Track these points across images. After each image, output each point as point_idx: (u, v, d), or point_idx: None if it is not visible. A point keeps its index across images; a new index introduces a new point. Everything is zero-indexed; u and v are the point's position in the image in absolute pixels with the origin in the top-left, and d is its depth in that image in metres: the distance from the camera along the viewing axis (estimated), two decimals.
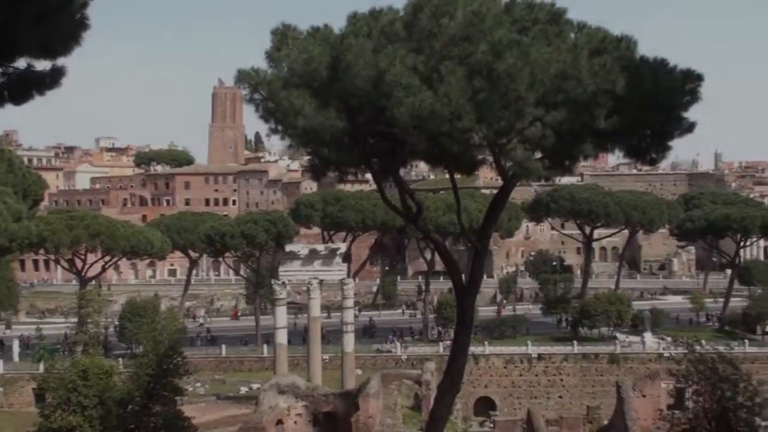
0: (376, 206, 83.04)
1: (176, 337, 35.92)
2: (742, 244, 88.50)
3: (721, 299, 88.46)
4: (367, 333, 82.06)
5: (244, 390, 63.90)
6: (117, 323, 76.68)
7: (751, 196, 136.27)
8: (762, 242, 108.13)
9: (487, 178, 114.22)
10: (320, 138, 15.41)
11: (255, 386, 61.31)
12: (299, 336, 71.74)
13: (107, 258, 77.42)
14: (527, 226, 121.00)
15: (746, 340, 72.23)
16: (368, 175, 18.89)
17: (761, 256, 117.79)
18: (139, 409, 31.87)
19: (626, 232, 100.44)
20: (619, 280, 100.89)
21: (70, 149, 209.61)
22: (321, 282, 55.92)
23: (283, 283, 54.58)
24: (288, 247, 59.01)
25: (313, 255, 55.63)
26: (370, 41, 14.80)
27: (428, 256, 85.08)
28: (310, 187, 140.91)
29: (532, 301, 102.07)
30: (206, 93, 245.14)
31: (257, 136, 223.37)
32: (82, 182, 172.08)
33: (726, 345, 58.72)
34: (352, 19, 15.70)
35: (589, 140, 15.93)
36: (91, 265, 76.43)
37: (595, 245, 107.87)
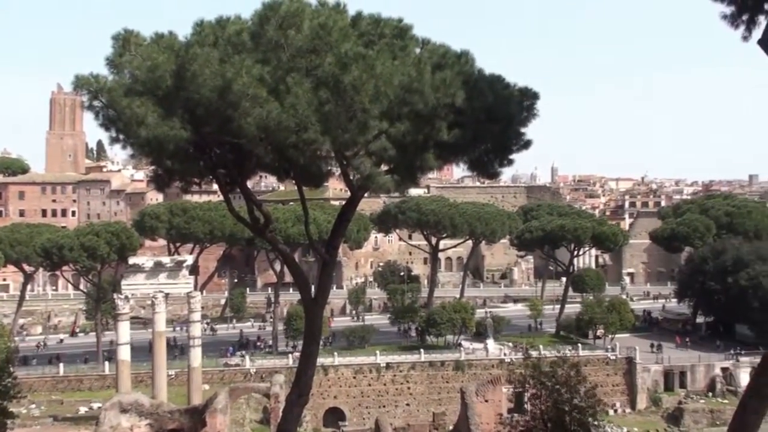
0: (224, 217, 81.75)
1: (6, 357, 33.77)
2: (575, 253, 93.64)
3: (558, 306, 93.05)
4: (175, 347, 77.77)
5: (83, 410, 60.86)
6: None
7: (584, 208, 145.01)
8: (593, 251, 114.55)
9: (336, 189, 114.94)
10: (164, 148, 14.95)
11: (96, 405, 58.59)
12: (145, 351, 69.13)
13: None
14: (376, 237, 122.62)
15: (579, 344, 76.37)
16: (215, 186, 18.52)
17: (593, 265, 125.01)
18: None
19: (470, 242, 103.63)
20: (463, 289, 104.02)
21: None
22: (166, 295, 54.38)
23: (126, 297, 52.74)
24: (132, 260, 57.12)
25: (158, 268, 54.07)
26: (217, 50, 14.56)
27: (278, 267, 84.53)
28: (155, 197, 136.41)
29: (381, 311, 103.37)
30: (44, 98, 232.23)
31: (99, 144, 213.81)
32: None
33: (561, 349, 61.83)
34: (197, 28, 15.40)
35: (432, 152, 16.38)
36: None
37: (441, 255, 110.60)
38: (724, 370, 75.25)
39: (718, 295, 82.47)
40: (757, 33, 13.61)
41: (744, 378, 69.71)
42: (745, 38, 14.26)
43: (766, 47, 13.10)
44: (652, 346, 79.50)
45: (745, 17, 14.08)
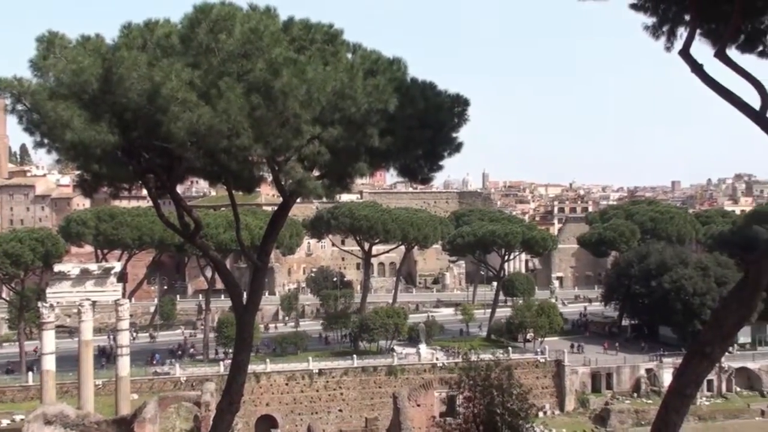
0: (153, 223, 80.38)
1: None
2: (506, 258, 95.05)
3: (489, 310, 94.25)
4: (103, 355, 76.48)
5: (5, 422, 58.90)
6: None
7: (514, 213, 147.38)
8: (523, 256, 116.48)
9: (268, 194, 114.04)
10: (91, 153, 14.59)
11: (18, 417, 56.87)
12: (71, 361, 67.28)
13: None
14: (309, 243, 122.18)
15: (510, 348, 77.49)
16: (145, 191, 18.18)
17: (523, 269, 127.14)
18: None
19: (403, 247, 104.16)
20: (396, 294, 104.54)
21: None
22: (94, 303, 53.06)
23: (52, 305, 51.35)
24: (57, 267, 55.59)
25: (84, 275, 52.72)
26: (145, 54, 14.31)
27: (209, 274, 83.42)
28: (82, 203, 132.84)
29: (314, 317, 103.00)
30: None
31: (23, 148, 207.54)
32: None
33: (494, 353, 62.63)
34: (125, 30, 15.10)
35: (364, 158, 16.43)
36: None
37: (374, 261, 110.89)
38: (648, 371, 77.46)
39: (643, 298, 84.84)
40: (679, 43, 14.11)
41: (667, 378, 71.82)
42: (668, 48, 14.77)
43: (686, 57, 13.57)
44: (572, 346, 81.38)
45: (665, 28, 14.58)
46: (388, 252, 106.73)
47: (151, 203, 21.91)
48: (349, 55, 16.11)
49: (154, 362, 73.96)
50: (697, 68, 13.35)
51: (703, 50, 14.01)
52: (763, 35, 14.53)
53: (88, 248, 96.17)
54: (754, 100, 12.97)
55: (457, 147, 18.08)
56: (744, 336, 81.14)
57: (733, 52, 13.93)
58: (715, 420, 72.60)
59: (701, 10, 13.88)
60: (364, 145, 15.72)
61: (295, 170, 15.02)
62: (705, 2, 13.84)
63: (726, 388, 77.83)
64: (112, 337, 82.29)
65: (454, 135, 17.90)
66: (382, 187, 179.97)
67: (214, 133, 13.75)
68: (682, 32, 14.36)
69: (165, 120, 13.73)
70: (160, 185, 17.67)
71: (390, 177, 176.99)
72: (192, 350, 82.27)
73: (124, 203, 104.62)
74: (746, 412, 74.62)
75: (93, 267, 54.82)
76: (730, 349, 74.59)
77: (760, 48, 14.65)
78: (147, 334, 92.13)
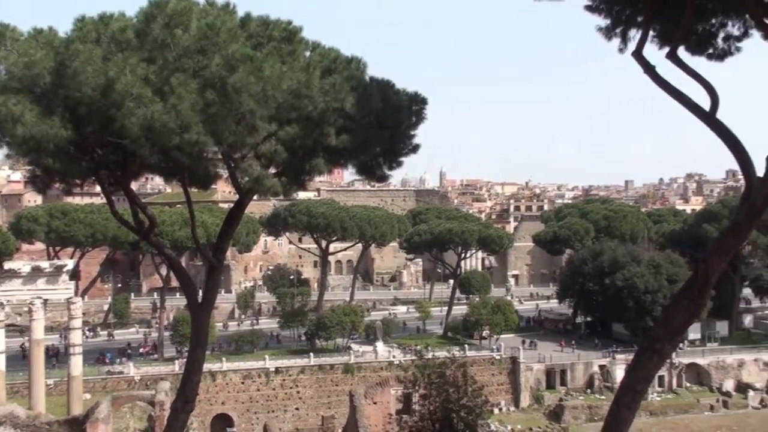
0: (107, 220, 79.23)
1: None
2: (462, 256, 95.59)
3: (446, 308, 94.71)
4: (53, 356, 72.83)
5: None
6: None
7: (470, 211, 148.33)
8: (480, 254, 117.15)
9: (225, 191, 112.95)
10: (43, 148, 14.33)
11: None
12: (22, 360, 65.93)
13: None
14: (265, 241, 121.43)
15: (466, 345, 78.01)
16: (98, 187, 17.91)
17: (479, 267, 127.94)
18: None
19: (360, 245, 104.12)
20: (353, 292, 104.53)
21: None
22: (45, 302, 52.18)
23: (1, 303, 50.48)
24: (7, 265, 54.54)
25: (36, 273, 51.81)
26: (100, 48, 14.10)
27: (164, 272, 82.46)
28: (33, 199, 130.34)
29: (270, 315, 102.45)
30: None
31: None
32: None
33: (450, 350, 62.95)
34: (79, 23, 14.85)
35: (322, 156, 16.44)
36: None
37: (331, 259, 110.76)
38: (601, 367, 78.67)
39: (596, 295, 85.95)
40: (632, 45, 14.36)
41: (619, 374, 72.90)
42: (621, 50, 15.03)
43: (639, 59, 13.81)
44: (523, 342, 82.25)
45: (619, 30, 14.83)
46: (345, 250, 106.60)
47: (104, 200, 21.60)
48: (308, 53, 16.07)
49: (107, 361, 72.77)
50: (649, 69, 13.61)
51: (656, 52, 14.30)
52: (713, 38, 14.86)
53: (40, 246, 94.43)
54: (705, 102, 13.27)
55: (414, 146, 18.21)
56: (694, 332, 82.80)
57: (683, 54, 14.23)
58: (665, 415, 73.98)
59: (654, 12, 14.14)
60: (322, 143, 15.73)
61: (252, 167, 14.95)
62: (658, 4, 14.09)
63: (676, 383, 79.39)
64: (63, 335, 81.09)
65: (412, 133, 18.02)
66: (339, 184, 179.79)
67: (166, 129, 13.61)
68: (635, 34, 14.61)
69: (119, 115, 13.55)
70: (114, 181, 17.44)
71: (348, 175, 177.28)
72: (142, 350, 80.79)
73: (77, 200, 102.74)
74: (696, 407, 76.19)
75: (44, 265, 53.87)
76: (681, 345, 76.04)
77: (710, 50, 14.99)
78: (106, 333, 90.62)
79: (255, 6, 15.99)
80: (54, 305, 64.59)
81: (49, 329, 70.10)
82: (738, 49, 14.89)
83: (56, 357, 71.72)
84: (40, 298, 51.31)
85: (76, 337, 54.23)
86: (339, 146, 15.80)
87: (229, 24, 14.31)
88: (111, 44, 14.22)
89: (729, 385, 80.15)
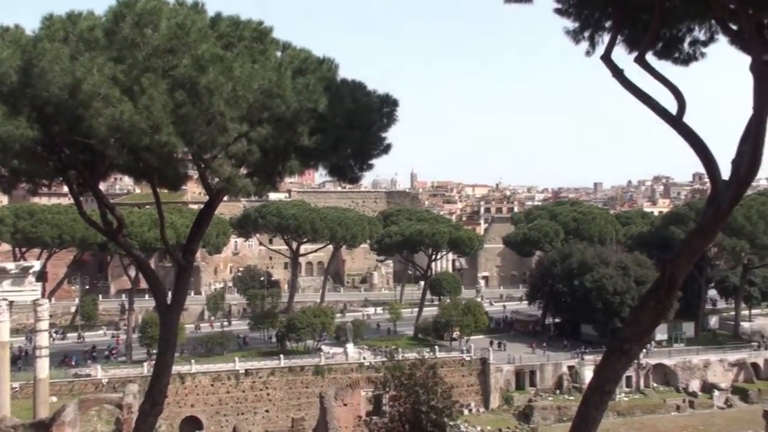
0: (75, 221, 78.31)
1: None
2: (433, 257, 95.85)
3: (416, 309, 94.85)
4: (19, 358, 71.94)
5: None
6: None
7: (441, 213, 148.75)
8: (450, 256, 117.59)
9: (195, 192, 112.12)
10: (9, 148, 14.14)
11: None
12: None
13: None
14: (236, 242, 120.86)
15: (437, 347, 78.18)
16: (66, 188, 17.74)
17: (450, 269, 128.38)
18: None
19: (331, 247, 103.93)
20: (324, 293, 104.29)
21: None
22: (11, 303, 51.35)
23: None
24: None
25: (1, 274, 50.93)
26: (68, 47, 13.95)
27: (132, 273, 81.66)
28: None
29: (240, 317, 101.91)
30: None
31: None
32: None
33: (420, 352, 63.06)
34: (46, 22, 14.69)
35: (294, 157, 16.41)
36: None
37: (302, 260, 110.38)
38: (570, 368, 79.25)
39: (565, 296, 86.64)
40: (600, 49, 14.49)
41: (588, 375, 73.45)
42: (588, 53, 15.15)
43: (608, 62, 13.95)
44: (491, 343, 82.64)
45: (587, 34, 14.95)
46: (316, 251, 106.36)
47: (72, 200, 21.37)
48: (279, 54, 16.03)
49: (73, 363, 71.85)
50: (617, 73, 13.75)
51: (624, 56, 14.44)
52: (679, 42, 15.05)
53: (6, 246, 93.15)
54: (672, 105, 13.45)
55: (386, 146, 18.26)
56: (661, 333, 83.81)
57: (651, 59, 14.40)
58: (633, 415, 74.73)
59: (623, 16, 14.28)
60: (294, 144, 15.71)
61: (223, 168, 14.87)
62: (627, 9, 14.24)
63: (644, 384, 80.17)
64: (29, 338, 79.91)
65: (383, 135, 18.08)
66: (310, 186, 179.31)
67: (135, 129, 13.48)
68: (603, 38, 14.75)
69: (87, 115, 13.41)
70: (82, 182, 17.28)
71: (319, 176, 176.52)
72: (107, 352, 79.71)
73: (44, 200, 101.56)
74: (662, 407, 77.04)
75: (10, 266, 52.98)
76: (648, 346, 76.86)
77: (676, 54, 15.17)
78: (76, 335, 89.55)
79: (225, 6, 15.92)
80: (20, 307, 63.70)
81: (14, 331, 69.12)
82: (703, 55, 15.08)
83: (22, 359, 70.77)
84: (6, 299, 50.49)
85: (43, 339, 53.49)
86: (311, 146, 15.79)
87: (199, 24, 14.23)
88: (79, 43, 14.07)
89: (695, 385, 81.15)
